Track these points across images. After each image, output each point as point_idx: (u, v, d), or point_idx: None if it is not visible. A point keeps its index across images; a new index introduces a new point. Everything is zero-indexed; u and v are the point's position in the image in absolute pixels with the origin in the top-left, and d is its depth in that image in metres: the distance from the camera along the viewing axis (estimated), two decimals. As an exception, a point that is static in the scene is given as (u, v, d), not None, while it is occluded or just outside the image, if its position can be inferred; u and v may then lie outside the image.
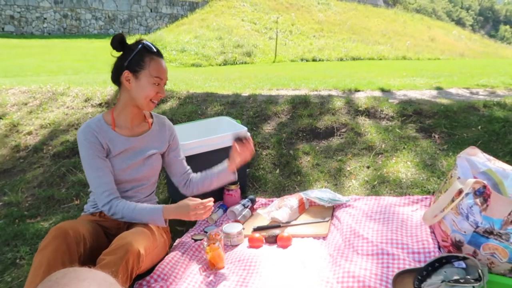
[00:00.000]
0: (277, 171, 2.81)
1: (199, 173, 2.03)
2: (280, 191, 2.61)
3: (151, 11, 18.15)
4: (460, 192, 1.62)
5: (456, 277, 1.46)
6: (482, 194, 1.59)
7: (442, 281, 1.45)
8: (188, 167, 2.06)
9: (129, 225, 1.79)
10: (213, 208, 2.41)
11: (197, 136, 2.39)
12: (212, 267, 1.83)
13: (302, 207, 2.27)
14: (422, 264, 1.63)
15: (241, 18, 17.08)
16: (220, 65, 12.12)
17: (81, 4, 16.62)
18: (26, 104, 4.01)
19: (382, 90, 4.18)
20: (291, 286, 1.61)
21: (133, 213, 1.72)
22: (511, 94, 3.90)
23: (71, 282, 0.61)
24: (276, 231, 2.03)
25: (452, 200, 1.65)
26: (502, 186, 1.62)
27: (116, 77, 1.78)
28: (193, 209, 1.70)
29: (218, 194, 2.48)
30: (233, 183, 2.43)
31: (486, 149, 2.63)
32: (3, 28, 15.36)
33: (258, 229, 2.13)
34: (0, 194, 2.79)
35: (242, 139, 1.90)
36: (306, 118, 3.29)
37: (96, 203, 1.83)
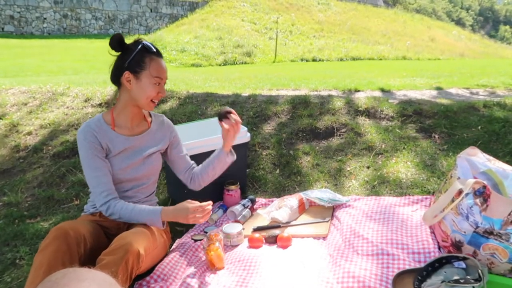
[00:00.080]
0: (277, 171, 2.81)
1: (200, 166, 2.03)
2: (280, 191, 2.61)
3: (151, 11, 18.15)
4: (460, 192, 1.62)
5: (456, 277, 1.46)
6: (482, 194, 1.59)
7: (442, 281, 1.45)
8: (192, 162, 2.05)
9: (129, 225, 1.79)
10: (212, 209, 2.42)
11: (197, 136, 2.39)
12: (212, 267, 1.83)
13: (302, 207, 2.27)
14: (422, 264, 1.63)
15: (241, 18, 17.09)
16: (220, 65, 12.12)
17: (81, 4, 16.62)
18: (26, 104, 4.01)
19: (382, 90, 4.18)
20: (291, 286, 1.61)
21: (131, 214, 1.72)
22: (511, 94, 3.90)
23: (71, 283, 0.61)
24: (276, 231, 2.03)
25: (452, 200, 1.65)
26: (502, 186, 1.62)
27: (116, 78, 1.77)
28: (192, 212, 1.69)
29: (218, 194, 2.49)
30: (233, 183, 2.43)
31: (486, 149, 2.63)
32: (3, 28, 15.36)
33: (258, 229, 2.13)
34: (0, 194, 2.79)
35: (225, 115, 1.87)
36: (306, 118, 3.29)
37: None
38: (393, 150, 2.84)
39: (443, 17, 43.33)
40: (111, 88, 4.02)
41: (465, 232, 1.59)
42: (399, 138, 2.96)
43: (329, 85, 4.49)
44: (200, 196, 2.38)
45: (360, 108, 3.39)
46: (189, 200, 1.75)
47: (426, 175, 2.52)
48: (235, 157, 1.99)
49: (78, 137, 1.76)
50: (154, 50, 1.76)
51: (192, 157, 2.15)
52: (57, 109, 3.88)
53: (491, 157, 1.78)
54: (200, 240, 2.06)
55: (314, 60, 13.38)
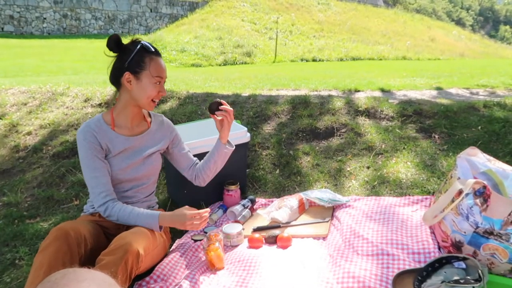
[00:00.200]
0: (277, 171, 2.81)
1: (201, 162, 2.03)
2: (280, 191, 2.60)
3: (151, 11, 18.15)
4: (460, 192, 1.62)
5: (456, 278, 1.46)
6: (482, 194, 1.59)
7: (442, 282, 1.45)
8: (195, 159, 2.05)
9: (128, 225, 1.79)
10: (212, 209, 2.42)
11: (197, 136, 2.39)
12: (212, 267, 1.82)
13: (302, 208, 2.27)
14: (422, 265, 1.63)
15: (241, 18, 17.08)
16: (220, 65, 12.12)
17: (80, 4, 16.62)
18: (25, 104, 4.01)
19: (382, 90, 4.17)
20: (291, 286, 1.61)
21: (129, 217, 1.71)
22: (511, 94, 3.90)
23: (71, 283, 0.61)
24: (276, 232, 2.03)
25: (452, 201, 1.65)
26: (502, 187, 1.62)
27: (115, 79, 1.77)
28: (190, 219, 1.70)
29: (218, 195, 2.48)
30: (233, 183, 2.43)
31: (486, 149, 2.63)
32: (2, 28, 15.36)
33: (258, 229, 2.13)
34: (-1, 194, 2.79)
35: (217, 107, 1.87)
36: (306, 118, 3.29)
37: (96, 204, 1.83)
38: (393, 150, 2.84)
39: (443, 17, 43.33)
40: (110, 88, 4.02)
41: (465, 232, 1.59)
42: (399, 138, 2.96)
43: (329, 85, 4.49)
44: (200, 196, 2.39)
45: (360, 108, 3.39)
46: (187, 207, 1.76)
47: (426, 175, 2.52)
48: (233, 146, 2.00)
49: (78, 137, 1.76)
50: (153, 49, 1.76)
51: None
52: (56, 109, 3.88)
53: (491, 157, 1.78)
54: (200, 240, 2.06)
55: (314, 60, 13.38)
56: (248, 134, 2.53)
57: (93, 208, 1.84)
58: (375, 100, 3.53)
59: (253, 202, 2.38)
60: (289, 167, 2.82)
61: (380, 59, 13.84)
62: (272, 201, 2.39)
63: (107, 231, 1.78)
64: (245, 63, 12.57)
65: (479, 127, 2.95)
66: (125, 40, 1.77)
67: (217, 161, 1.97)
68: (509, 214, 1.53)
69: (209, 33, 14.46)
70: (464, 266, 1.51)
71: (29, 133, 3.49)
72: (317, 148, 3.00)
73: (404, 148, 2.84)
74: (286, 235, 1.99)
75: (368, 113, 3.34)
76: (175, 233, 2.17)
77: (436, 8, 46.46)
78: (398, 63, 11.67)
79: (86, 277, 0.63)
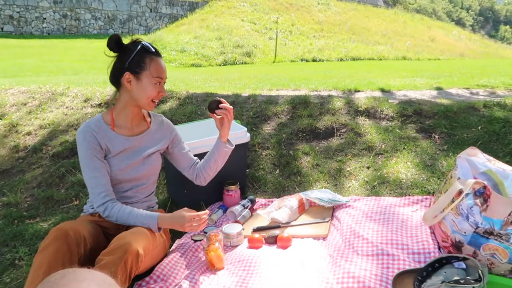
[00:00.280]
0: (277, 171, 2.81)
1: (201, 161, 2.03)
2: (280, 191, 2.60)
3: (150, 11, 18.15)
4: (460, 192, 1.62)
5: (456, 278, 1.46)
6: (482, 194, 1.59)
7: (442, 282, 1.45)
8: (196, 158, 2.05)
9: (128, 225, 1.79)
10: (212, 209, 2.42)
11: (197, 136, 2.39)
12: (211, 267, 1.82)
13: (302, 208, 2.27)
14: (422, 265, 1.63)
15: (241, 18, 17.08)
16: (220, 65, 12.11)
17: (80, 4, 16.62)
18: (25, 104, 4.00)
19: (382, 90, 4.17)
20: (291, 286, 1.61)
21: (128, 218, 1.71)
22: (511, 95, 3.90)
23: (70, 283, 0.61)
24: (276, 232, 2.03)
25: (452, 201, 1.65)
26: (502, 187, 1.62)
27: (115, 79, 1.77)
28: (189, 220, 1.70)
29: (218, 195, 2.48)
30: (233, 184, 2.43)
31: (486, 149, 2.63)
32: (2, 28, 15.35)
33: (258, 229, 2.13)
34: (-1, 194, 2.79)
35: (216, 106, 1.87)
36: (306, 119, 3.29)
37: (95, 204, 1.83)
38: (393, 150, 2.83)
39: (443, 17, 43.35)
40: (110, 88, 4.02)
41: (465, 233, 1.59)
42: (399, 138, 2.96)
43: (329, 85, 4.49)
44: (200, 196, 2.39)
45: (360, 108, 3.39)
46: (186, 208, 1.76)
47: (426, 175, 2.51)
48: (233, 145, 2.00)
49: (78, 137, 1.75)
50: (153, 50, 1.76)
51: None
52: (56, 109, 3.88)
53: (491, 157, 1.78)
54: (200, 240, 2.06)
55: (314, 60, 13.37)
56: (248, 134, 2.53)
57: (93, 208, 1.84)
58: (375, 100, 3.53)
59: (253, 202, 2.38)
60: (289, 167, 2.81)
61: (380, 59, 13.84)
62: (272, 201, 2.39)
63: (106, 231, 1.78)
64: (245, 63, 12.57)
65: (479, 127, 2.95)
66: (125, 40, 1.77)
67: (217, 160, 1.97)
68: (509, 214, 1.53)
69: (209, 33, 14.46)
70: (464, 266, 1.51)
71: (28, 133, 3.48)
72: (317, 148, 3.00)
73: (404, 148, 2.84)
74: (286, 235, 1.99)
75: (368, 113, 3.34)
76: (175, 233, 2.17)
77: (436, 8, 46.47)
78: (398, 63, 11.67)
79: (85, 277, 0.63)
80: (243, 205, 2.30)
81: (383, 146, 2.89)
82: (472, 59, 15.51)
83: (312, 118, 3.30)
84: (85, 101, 3.97)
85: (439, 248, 1.76)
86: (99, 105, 3.88)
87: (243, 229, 2.08)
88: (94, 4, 16.91)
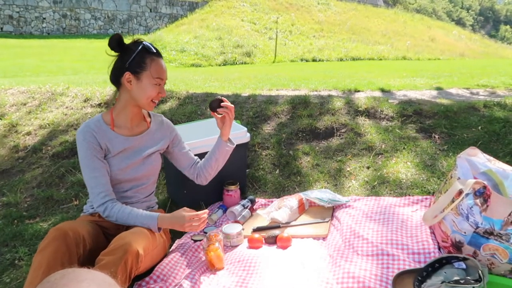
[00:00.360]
0: (277, 171, 2.81)
1: (202, 160, 2.03)
2: (279, 191, 2.60)
3: (150, 11, 18.14)
4: (460, 192, 1.62)
5: (456, 278, 1.45)
6: (482, 194, 1.59)
7: (442, 282, 1.45)
8: (196, 158, 2.06)
9: (128, 225, 1.79)
10: (212, 209, 2.41)
11: (197, 136, 2.39)
12: (211, 267, 1.82)
13: (302, 208, 2.27)
14: (422, 265, 1.62)
15: (240, 18, 17.08)
16: (219, 65, 12.11)
17: (80, 4, 16.61)
18: (25, 104, 4.00)
19: (382, 90, 4.17)
20: (291, 286, 1.61)
21: (128, 218, 1.71)
22: (511, 94, 3.90)
23: (70, 283, 0.61)
24: (276, 232, 2.03)
25: (452, 201, 1.65)
26: (502, 187, 1.62)
27: (115, 78, 1.77)
28: (188, 220, 1.71)
29: (218, 195, 2.48)
30: (233, 184, 2.43)
31: (486, 149, 2.63)
32: (1, 28, 15.35)
33: (258, 229, 2.13)
34: (-1, 194, 2.79)
35: (218, 104, 1.86)
36: (306, 119, 3.29)
37: (95, 204, 1.82)
38: (393, 150, 2.83)
39: (443, 17, 43.34)
40: (110, 88, 4.02)
41: (465, 233, 1.59)
42: (399, 138, 2.95)
43: (329, 85, 4.48)
44: (200, 196, 2.39)
45: (360, 108, 3.39)
46: (185, 208, 1.76)
47: (426, 175, 2.51)
48: (234, 144, 2.00)
49: (77, 137, 1.75)
50: (154, 50, 1.76)
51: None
52: (56, 109, 3.88)
53: (491, 158, 1.78)
54: (200, 240, 2.06)
55: (314, 60, 13.37)
56: (248, 134, 2.52)
57: (93, 208, 1.84)
58: (375, 100, 3.53)
59: (253, 202, 2.38)
60: (289, 167, 2.81)
61: (380, 59, 13.84)
62: (272, 201, 2.39)
63: (106, 231, 1.78)
64: (245, 63, 12.56)
65: (479, 127, 2.95)
66: (126, 40, 1.77)
67: (218, 159, 1.97)
68: (509, 214, 1.53)
69: (208, 33, 14.45)
70: (464, 266, 1.51)
71: (28, 133, 3.48)
72: (317, 148, 3.00)
73: (404, 148, 2.84)
74: (286, 235, 1.98)
75: (368, 113, 3.34)
76: (175, 233, 2.17)
77: (436, 8, 46.47)
78: (398, 63, 11.67)
79: (85, 277, 0.63)
80: (243, 205, 2.30)
81: (383, 146, 2.89)
82: (472, 59, 15.51)
83: (312, 118, 3.30)
84: (85, 101, 3.97)
85: (439, 248, 1.75)
86: (99, 105, 3.88)
87: (243, 229, 2.07)
88: (94, 4, 16.91)
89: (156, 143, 1.92)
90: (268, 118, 3.41)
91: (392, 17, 23.86)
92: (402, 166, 2.63)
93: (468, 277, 1.44)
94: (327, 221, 2.13)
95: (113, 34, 1.72)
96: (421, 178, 2.49)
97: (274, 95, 3.92)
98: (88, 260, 1.55)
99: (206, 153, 2.08)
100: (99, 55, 10.54)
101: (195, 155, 2.12)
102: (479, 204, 1.57)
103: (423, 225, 1.92)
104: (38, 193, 2.70)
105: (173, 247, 2.02)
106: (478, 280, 1.40)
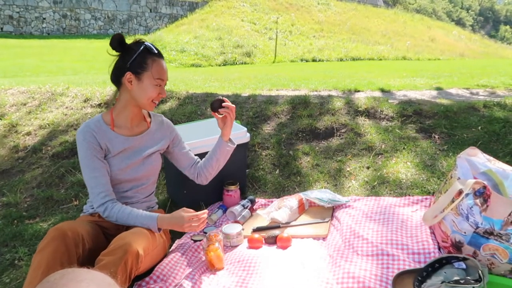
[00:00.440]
0: (277, 171, 2.81)
1: (203, 159, 2.03)
2: (279, 191, 2.60)
3: (150, 11, 18.14)
4: (460, 192, 1.62)
5: (456, 278, 1.45)
6: (482, 194, 1.59)
7: (442, 282, 1.45)
8: (196, 157, 2.06)
9: (128, 226, 1.79)
10: (212, 209, 2.41)
11: (197, 136, 2.39)
12: (211, 267, 1.82)
13: (302, 208, 2.27)
14: (422, 265, 1.62)
15: (240, 18, 17.08)
16: (219, 65, 12.11)
17: (80, 4, 16.61)
18: (25, 104, 4.00)
19: (382, 90, 4.17)
20: (291, 286, 1.61)
21: (128, 218, 1.71)
22: (511, 95, 3.90)
23: (69, 283, 0.61)
24: (276, 232, 2.03)
25: (452, 201, 1.65)
26: (502, 187, 1.62)
27: (116, 78, 1.77)
28: (188, 221, 1.71)
29: (218, 195, 2.48)
30: (233, 184, 2.43)
31: (486, 149, 2.63)
32: (1, 28, 15.35)
33: (258, 229, 2.13)
34: (-1, 194, 2.79)
35: (220, 105, 1.86)
36: (306, 119, 3.29)
37: (95, 204, 1.82)
38: (393, 150, 2.83)
39: (443, 17, 43.36)
40: (110, 89, 4.02)
41: (465, 233, 1.59)
42: (399, 138, 2.95)
43: (329, 85, 4.48)
44: (200, 196, 2.39)
45: (360, 109, 3.39)
46: (184, 209, 1.76)
47: (426, 175, 2.51)
48: (235, 144, 2.00)
49: (78, 137, 1.75)
50: (156, 51, 1.76)
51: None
52: (56, 109, 3.88)
53: (491, 158, 1.78)
54: (200, 240, 2.06)
55: (314, 60, 13.38)
56: (248, 134, 2.52)
57: (93, 208, 1.84)
58: (375, 100, 3.53)
59: (252, 202, 2.37)
60: (289, 167, 2.81)
61: (380, 59, 13.84)
62: (272, 201, 2.39)
63: (106, 232, 1.78)
64: (245, 63, 12.57)
65: (479, 127, 2.95)
66: (127, 40, 1.77)
67: (219, 158, 1.97)
68: (509, 214, 1.53)
69: (208, 33, 14.46)
70: (464, 266, 1.51)
71: (28, 134, 3.48)
72: (317, 148, 3.00)
73: (404, 148, 2.84)
74: (285, 235, 1.98)
75: (368, 113, 3.34)
76: (175, 234, 2.17)
77: (436, 8, 46.49)
78: (398, 63, 11.67)
79: (85, 277, 0.63)
80: (243, 205, 2.30)
81: (383, 146, 2.89)
82: (472, 59, 15.52)
83: (312, 118, 3.30)
84: (84, 101, 3.97)
85: (439, 248, 1.75)
86: (99, 105, 3.88)
87: (243, 229, 2.07)
88: (94, 4, 16.91)
89: (156, 143, 1.92)
90: (268, 118, 3.41)
91: (392, 17, 23.87)
92: (402, 166, 2.63)
93: (468, 277, 1.44)
94: (327, 221, 2.13)
95: (115, 33, 1.72)
96: (421, 178, 2.49)
97: (274, 95, 3.92)
98: (88, 260, 1.55)
99: (206, 153, 2.08)
100: (99, 55, 10.55)
101: (195, 155, 2.12)
102: (479, 204, 1.57)
103: (423, 225, 1.92)
104: (38, 193, 2.70)
105: (173, 247, 2.02)
106: (478, 280, 1.40)
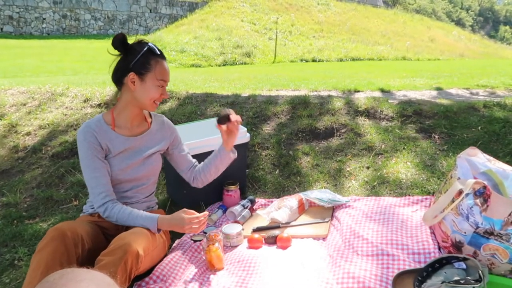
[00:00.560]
0: (277, 171, 2.81)
1: (201, 163, 2.03)
2: (279, 191, 2.60)
3: (150, 11, 18.14)
4: (460, 192, 1.62)
5: (456, 278, 1.45)
6: (482, 194, 1.58)
7: (442, 282, 1.45)
8: (194, 161, 2.06)
9: (128, 226, 1.79)
10: (212, 209, 2.41)
11: (197, 136, 2.39)
12: (211, 268, 1.82)
13: (302, 208, 2.27)
14: (422, 265, 1.62)
15: (240, 18, 17.09)
16: (219, 65, 12.11)
17: (80, 4, 16.61)
18: (25, 104, 4.00)
19: (382, 90, 4.17)
20: (291, 287, 1.61)
21: (128, 218, 1.71)
22: (511, 95, 3.90)
23: (69, 283, 0.61)
24: (276, 232, 2.03)
25: (452, 201, 1.64)
26: (502, 187, 1.62)
27: (118, 78, 1.77)
28: (188, 223, 1.71)
29: (218, 195, 2.48)
30: (233, 184, 2.43)
31: (486, 149, 2.63)
32: (1, 29, 15.35)
33: (258, 229, 2.13)
34: (-2, 194, 2.78)
35: (225, 118, 1.86)
36: (305, 119, 3.29)
37: (95, 204, 1.82)
38: (393, 150, 2.83)
39: (443, 18, 43.38)
40: (110, 89, 4.01)
41: (465, 233, 1.59)
42: (399, 138, 2.95)
43: (329, 85, 4.49)
44: (200, 196, 2.39)
45: (359, 109, 3.38)
46: (185, 210, 1.76)
47: (426, 175, 2.51)
48: (236, 154, 2.00)
49: (78, 137, 1.75)
50: (159, 52, 1.76)
51: (192, 157, 2.15)
52: (56, 109, 3.88)
53: (491, 158, 1.78)
54: (200, 240, 2.06)
55: (313, 60, 13.38)
56: (248, 134, 2.52)
57: (93, 208, 1.84)
58: (374, 100, 3.53)
59: (252, 202, 2.37)
60: (289, 168, 2.81)
61: (380, 60, 13.85)
62: (272, 202, 2.39)
63: (106, 232, 1.78)
64: (245, 63, 12.57)
65: (479, 127, 2.95)
66: (129, 41, 1.77)
67: (218, 166, 1.98)
68: (509, 214, 1.53)
69: (208, 33, 14.46)
70: (464, 266, 1.51)
71: (28, 134, 3.48)
72: (317, 148, 2.99)
73: (404, 148, 2.84)
74: (285, 235, 1.98)
75: (368, 114, 3.33)
76: (175, 234, 2.16)
77: (435, 8, 46.52)
78: (398, 63, 11.68)
79: (84, 277, 0.63)
80: (243, 205, 2.30)
81: (383, 146, 2.89)
82: (472, 59, 15.52)
83: (312, 118, 3.30)
84: (84, 101, 3.97)
85: (439, 248, 1.75)
86: (99, 105, 3.87)
87: (243, 229, 2.07)
88: (94, 4, 16.91)
89: (157, 143, 1.92)
90: (268, 118, 3.41)
91: (391, 18, 23.88)
92: (402, 166, 2.63)
93: (468, 277, 1.44)
94: (327, 221, 2.13)
95: (117, 33, 1.72)
96: (421, 178, 2.49)
97: (274, 95, 3.92)
98: (88, 260, 1.55)
99: (206, 153, 2.08)
100: (99, 56, 10.56)
101: (195, 155, 2.12)
102: (479, 204, 1.57)
103: (423, 225, 1.92)
104: (38, 194, 2.70)
105: (173, 247, 2.02)
106: (478, 280, 1.40)
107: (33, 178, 2.92)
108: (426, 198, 2.23)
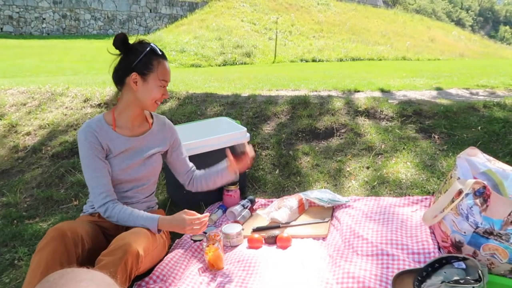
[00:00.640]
0: (277, 171, 2.81)
1: (202, 171, 2.04)
2: (279, 191, 2.60)
3: (150, 11, 18.14)
4: (460, 192, 1.62)
5: (456, 278, 1.45)
6: (482, 194, 1.59)
7: (442, 282, 1.45)
8: (192, 165, 2.07)
9: (128, 226, 1.79)
10: (212, 209, 2.41)
11: (196, 137, 2.39)
12: (211, 268, 1.82)
13: (302, 208, 2.27)
14: (422, 265, 1.62)
15: (240, 18, 17.08)
16: (219, 65, 12.11)
17: (80, 4, 16.60)
18: (24, 104, 4.00)
19: (382, 90, 4.17)
20: (291, 286, 1.61)
21: (129, 219, 1.71)
22: (511, 95, 3.90)
23: (69, 283, 0.61)
24: (276, 232, 2.03)
25: (452, 201, 1.65)
26: (502, 187, 1.62)
27: (120, 78, 1.77)
28: (189, 224, 1.71)
29: (218, 195, 2.48)
30: (233, 184, 2.43)
31: (486, 149, 2.63)
32: (1, 29, 15.34)
33: (258, 229, 2.13)
34: (-2, 194, 2.78)
35: (238, 152, 1.90)
36: (305, 119, 3.29)
37: (95, 204, 1.82)
38: (393, 150, 2.83)
39: (443, 18, 43.38)
40: (110, 89, 4.01)
41: (465, 233, 1.59)
42: (399, 138, 2.95)
43: (329, 85, 4.49)
44: (200, 196, 2.38)
45: (359, 109, 3.39)
46: (186, 211, 1.76)
47: (426, 175, 2.51)
48: (238, 177, 2.03)
49: (79, 137, 1.75)
50: (161, 53, 1.77)
51: (192, 157, 2.16)
52: (56, 109, 3.88)
53: (491, 158, 1.78)
54: (200, 240, 2.06)
55: (313, 60, 13.37)
56: (248, 134, 2.52)
57: (93, 208, 1.84)
58: (374, 100, 3.53)
59: (252, 202, 2.37)
60: (289, 168, 2.81)
61: (380, 60, 13.84)
62: (272, 201, 2.39)
63: (106, 232, 1.78)
64: (245, 63, 12.57)
65: (479, 127, 2.95)
66: (130, 41, 1.77)
67: (217, 182, 2.01)
68: (509, 214, 1.53)
69: (208, 33, 14.46)
70: (464, 266, 1.51)
71: (28, 134, 3.48)
72: (317, 148, 3.00)
73: (404, 148, 2.84)
74: (285, 235, 1.98)
75: (368, 114, 3.34)
76: (175, 234, 2.16)
77: (435, 8, 46.52)
78: (398, 63, 11.68)
79: (84, 277, 0.63)
80: (243, 205, 2.30)
81: (383, 146, 2.89)
82: (472, 59, 15.52)
83: (312, 118, 3.30)
84: (84, 101, 3.97)
85: (439, 248, 1.75)
86: (99, 105, 3.87)
87: (242, 229, 2.07)
88: (94, 4, 16.90)
89: (158, 144, 1.92)
90: (268, 118, 3.41)
91: (391, 18, 23.87)
92: (402, 166, 2.63)
93: (468, 277, 1.44)
94: (327, 221, 2.13)
95: (118, 33, 1.72)
96: (421, 178, 2.49)
97: (274, 95, 3.92)
98: (88, 260, 1.55)
99: (205, 153, 2.08)
100: (99, 56, 10.55)
101: (195, 155, 2.12)
102: (479, 204, 1.57)
103: (423, 225, 1.92)
104: (38, 193, 2.70)
105: (173, 247, 2.02)
106: (478, 280, 1.40)
107: (33, 178, 2.92)
108: (426, 198, 2.23)
